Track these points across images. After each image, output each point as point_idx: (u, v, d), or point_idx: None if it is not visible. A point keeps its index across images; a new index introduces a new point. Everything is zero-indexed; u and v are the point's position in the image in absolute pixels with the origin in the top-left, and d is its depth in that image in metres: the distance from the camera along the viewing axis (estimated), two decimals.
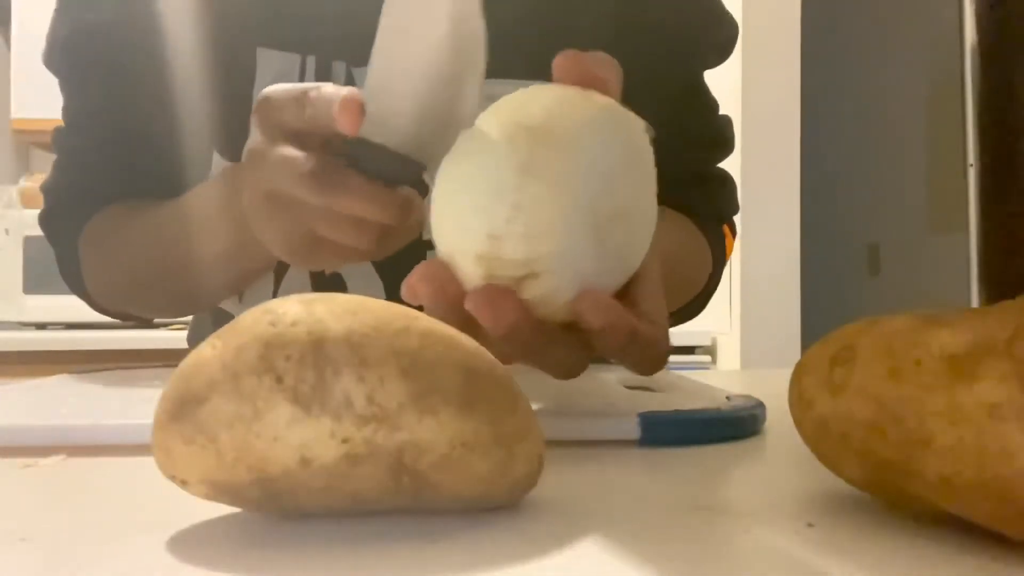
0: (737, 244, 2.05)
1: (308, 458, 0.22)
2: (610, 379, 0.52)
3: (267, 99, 0.42)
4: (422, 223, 0.42)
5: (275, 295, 0.63)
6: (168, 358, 0.78)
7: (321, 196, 0.39)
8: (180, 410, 0.22)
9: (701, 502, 0.27)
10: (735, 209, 0.76)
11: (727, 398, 0.43)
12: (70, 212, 0.69)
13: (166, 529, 0.24)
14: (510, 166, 0.31)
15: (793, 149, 2.12)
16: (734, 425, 0.39)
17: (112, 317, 0.74)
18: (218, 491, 0.23)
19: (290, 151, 0.40)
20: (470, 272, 0.32)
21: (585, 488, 0.29)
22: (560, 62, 0.34)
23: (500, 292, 0.32)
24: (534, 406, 0.26)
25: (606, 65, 0.35)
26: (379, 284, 0.62)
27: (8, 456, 0.34)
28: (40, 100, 2.07)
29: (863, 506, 0.26)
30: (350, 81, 0.61)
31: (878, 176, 3.24)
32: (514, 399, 0.25)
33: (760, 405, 0.41)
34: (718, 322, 2.14)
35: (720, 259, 0.74)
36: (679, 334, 2.03)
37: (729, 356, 2.14)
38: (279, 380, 0.22)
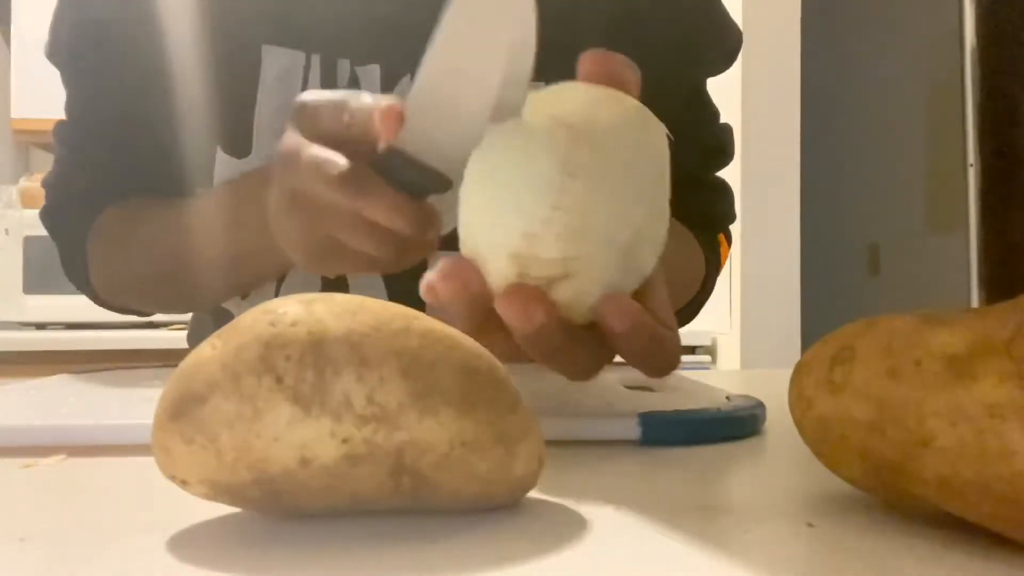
0: (737, 244, 2.06)
1: (308, 458, 0.22)
2: (610, 379, 0.52)
3: (304, 104, 0.42)
4: (438, 239, 0.42)
5: (277, 294, 0.63)
6: (168, 358, 0.78)
7: (348, 199, 0.39)
8: (180, 410, 0.22)
9: (701, 502, 0.27)
10: (732, 218, 0.76)
11: (727, 398, 0.43)
12: (72, 207, 0.69)
13: (166, 529, 0.24)
14: (551, 163, 0.30)
15: (793, 149, 2.12)
16: (734, 425, 0.39)
17: (114, 311, 0.74)
18: (218, 491, 0.23)
19: (323, 152, 0.41)
20: (501, 270, 0.32)
21: (585, 488, 0.29)
22: (587, 61, 0.34)
23: (532, 292, 0.31)
24: (534, 406, 0.26)
25: (629, 67, 0.35)
26: (381, 286, 0.62)
27: (8, 456, 0.34)
28: (40, 100, 2.07)
29: (863, 506, 0.26)
30: (353, 79, 0.61)
31: (878, 176, 3.24)
32: (514, 399, 0.25)
33: (760, 405, 0.41)
34: (718, 322, 2.14)
35: (714, 267, 0.74)
36: (679, 334, 2.03)
37: (729, 356, 2.14)
38: (279, 380, 0.22)
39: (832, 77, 3.33)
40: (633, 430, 0.36)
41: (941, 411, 0.22)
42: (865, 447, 0.24)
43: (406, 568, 0.21)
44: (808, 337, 2.12)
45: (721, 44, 0.72)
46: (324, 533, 0.24)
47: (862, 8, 3.28)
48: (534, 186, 0.30)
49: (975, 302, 0.67)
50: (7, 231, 2.06)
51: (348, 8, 0.61)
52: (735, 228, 0.78)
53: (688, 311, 0.74)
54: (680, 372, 0.62)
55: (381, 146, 0.39)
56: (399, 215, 0.39)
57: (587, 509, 0.26)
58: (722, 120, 0.76)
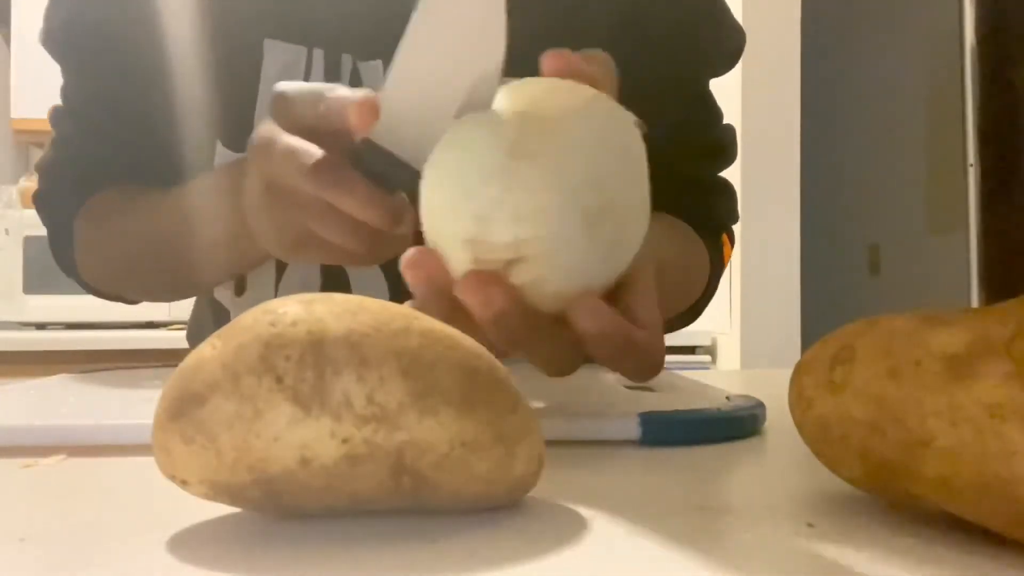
0: (737, 244, 2.05)
1: (308, 458, 0.22)
2: (610, 379, 0.52)
3: (282, 94, 0.42)
4: (412, 235, 0.42)
5: (276, 290, 0.63)
6: (168, 358, 0.78)
7: (321, 190, 0.39)
8: (180, 410, 0.22)
9: (701, 502, 0.27)
10: (735, 218, 0.76)
11: (727, 398, 0.43)
12: (63, 191, 0.69)
13: (166, 529, 0.24)
14: (499, 148, 0.31)
15: (793, 149, 2.12)
16: (734, 425, 0.39)
17: (101, 297, 0.74)
18: (218, 491, 0.23)
19: (298, 142, 0.41)
20: (458, 257, 0.32)
21: (585, 488, 0.29)
22: (547, 60, 0.35)
23: (488, 277, 0.32)
24: (534, 406, 0.26)
25: (597, 61, 0.35)
26: (383, 285, 0.62)
27: (8, 456, 0.34)
28: (40, 100, 2.07)
29: (863, 506, 0.26)
30: (356, 75, 0.61)
31: (878, 176, 3.24)
32: (514, 399, 0.25)
33: (760, 405, 0.41)
34: (718, 322, 2.14)
35: (717, 267, 0.74)
36: (679, 334, 2.03)
37: (729, 356, 2.14)
38: (279, 380, 0.22)
39: (832, 77, 3.33)
40: (633, 430, 0.36)
41: (941, 411, 0.22)
42: (865, 447, 0.24)
43: (406, 568, 0.21)
44: (808, 337, 2.12)
45: (724, 45, 0.72)
46: (324, 533, 0.24)
47: (862, 8, 3.28)
48: (483, 171, 0.31)
49: (975, 302, 0.67)
50: (7, 231, 2.06)
51: (351, 3, 0.61)
52: (735, 228, 0.78)
53: (692, 312, 0.74)
54: (680, 372, 0.62)
55: (356, 138, 0.39)
56: (372, 208, 0.39)
57: (587, 509, 0.26)
58: (724, 121, 0.76)
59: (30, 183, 2.17)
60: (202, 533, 0.24)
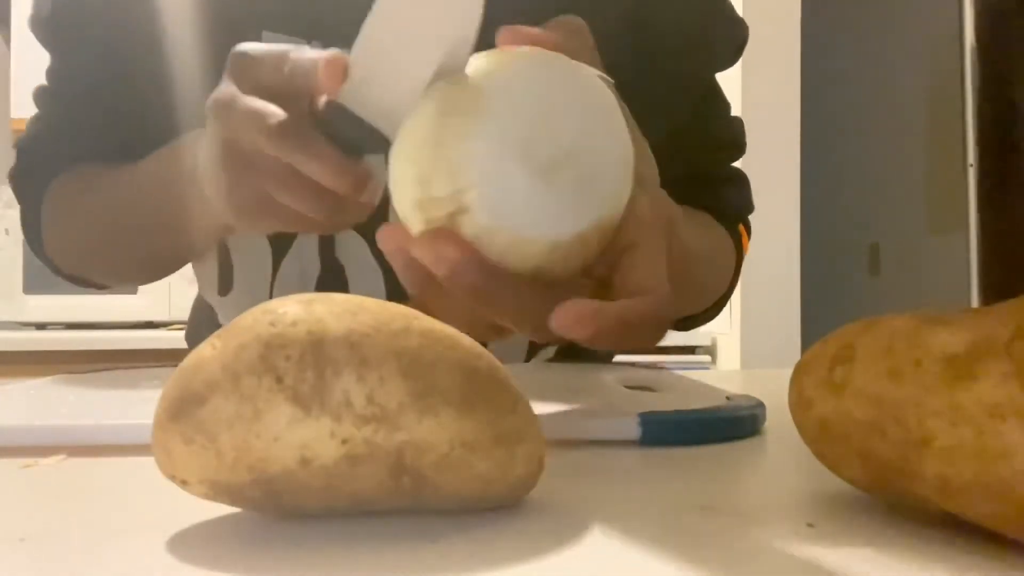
0: None
1: (308, 458, 0.22)
2: (610, 379, 0.52)
3: (244, 54, 0.41)
4: (374, 203, 0.41)
5: (272, 287, 0.63)
6: (168, 358, 0.78)
7: (284, 152, 0.38)
8: (180, 410, 0.22)
9: (701, 502, 0.27)
10: (751, 208, 0.76)
11: (727, 398, 0.43)
12: (38, 172, 0.68)
13: (166, 529, 0.24)
14: (431, 109, 0.33)
15: (793, 149, 2.12)
16: (734, 425, 0.39)
17: (70, 281, 0.73)
18: (218, 491, 0.23)
19: (260, 103, 0.40)
20: (413, 222, 0.33)
21: (585, 488, 0.29)
22: (501, 33, 0.35)
23: (438, 232, 0.32)
24: (534, 406, 0.26)
25: (564, 26, 0.35)
26: (380, 282, 0.62)
27: (8, 456, 0.34)
28: None
29: (863, 506, 0.26)
30: None
31: (878, 176, 3.24)
32: (514, 399, 0.25)
33: (760, 405, 0.41)
34: (718, 322, 2.13)
35: (739, 258, 0.74)
36: (679, 334, 2.03)
37: (729, 356, 2.14)
38: (279, 380, 0.22)
39: (832, 77, 3.33)
40: (633, 430, 0.36)
41: (941, 411, 0.22)
42: (865, 447, 0.24)
43: (406, 568, 0.21)
44: (808, 337, 2.12)
45: (730, 38, 0.73)
46: (324, 533, 0.24)
47: (862, 8, 3.28)
48: (421, 136, 0.32)
49: (975, 302, 0.67)
50: (7, 231, 2.06)
51: None
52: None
53: (720, 303, 0.74)
54: (680, 372, 0.62)
55: (322, 99, 0.38)
56: (335, 173, 0.38)
57: (587, 509, 0.26)
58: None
59: None
60: (202, 533, 0.24)
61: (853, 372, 0.24)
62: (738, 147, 0.74)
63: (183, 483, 0.23)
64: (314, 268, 0.62)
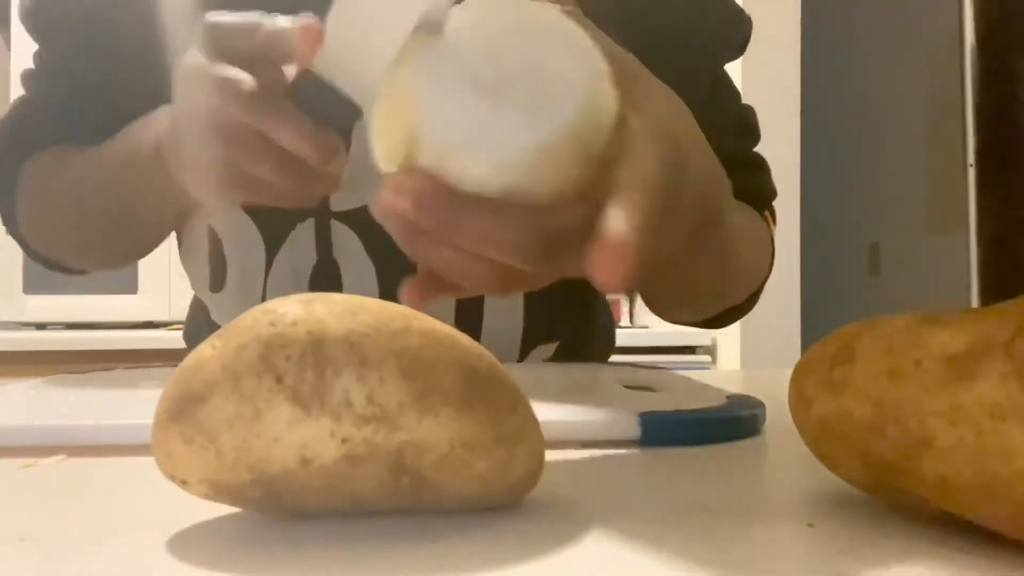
0: None
1: (308, 458, 0.22)
2: (610, 379, 0.52)
3: (215, 24, 0.41)
4: (339, 177, 0.41)
5: (265, 283, 0.64)
6: (168, 358, 0.78)
7: (255, 118, 0.38)
8: (180, 410, 0.22)
9: (701, 502, 0.27)
10: (774, 193, 0.75)
11: (727, 398, 0.43)
12: (17, 150, 0.68)
13: (166, 529, 0.24)
14: (398, 66, 0.33)
15: (793, 149, 2.12)
16: (734, 425, 0.39)
17: (44, 265, 0.73)
18: (218, 491, 0.23)
19: (232, 70, 0.39)
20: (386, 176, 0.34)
21: (585, 488, 0.29)
22: None
23: (403, 172, 0.32)
24: (534, 406, 0.26)
25: None
26: (373, 277, 0.62)
27: (8, 456, 0.34)
28: None
29: (863, 506, 0.26)
30: None
31: (878, 176, 3.24)
32: (514, 399, 0.25)
33: (760, 405, 0.41)
34: None
35: (772, 244, 0.74)
36: (679, 334, 2.03)
37: (729, 356, 2.14)
38: (279, 380, 0.22)
39: (832, 77, 3.33)
40: (633, 430, 0.36)
41: (941, 411, 0.22)
42: (865, 447, 0.24)
43: (406, 568, 0.21)
44: (808, 337, 2.12)
45: (735, 31, 0.73)
46: (324, 533, 0.24)
47: (862, 9, 3.28)
48: (384, 88, 0.33)
49: (975, 302, 0.67)
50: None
51: None
52: None
53: (758, 292, 0.73)
54: (680, 372, 0.62)
55: (297, 67, 0.38)
56: (305, 140, 0.38)
57: (587, 509, 0.26)
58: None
59: None
60: (202, 533, 0.24)
61: (853, 372, 0.24)
62: (754, 132, 0.74)
63: (183, 483, 0.23)
64: (307, 263, 0.63)
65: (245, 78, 0.39)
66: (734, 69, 0.74)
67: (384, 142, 0.33)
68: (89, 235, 0.67)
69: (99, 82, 0.66)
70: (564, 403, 0.41)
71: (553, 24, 0.35)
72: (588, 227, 0.30)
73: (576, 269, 0.32)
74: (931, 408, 0.22)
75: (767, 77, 2.07)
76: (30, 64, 0.70)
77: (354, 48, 0.37)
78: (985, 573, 0.20)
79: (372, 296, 0.65)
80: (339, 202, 0.62)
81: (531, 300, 0.67)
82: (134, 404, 0.43)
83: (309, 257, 0.63)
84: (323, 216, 0.62)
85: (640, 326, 2.20)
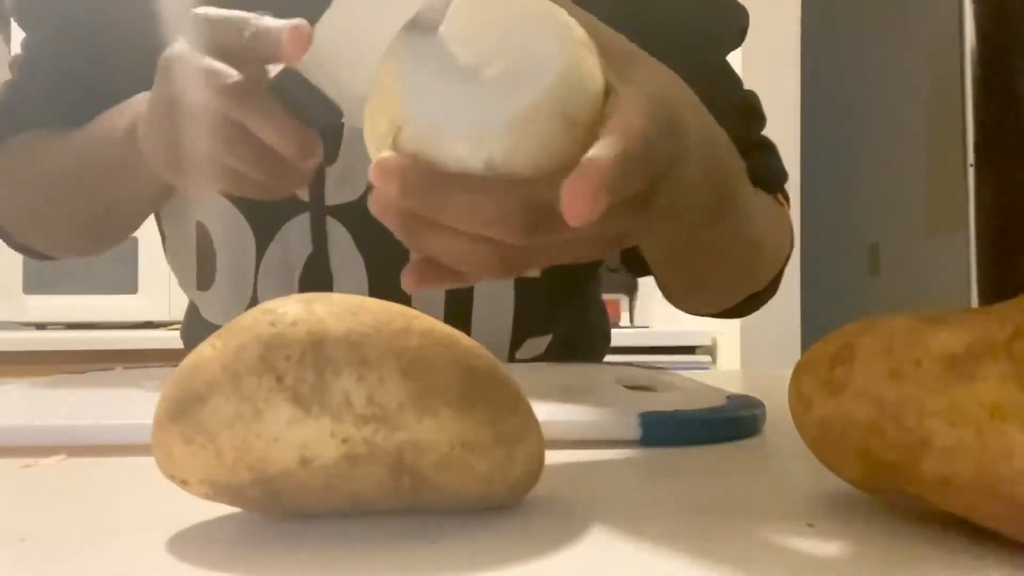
0: None
1: (308, 458, 0.22)
2: (610, 379, 0.52)
3: (206, 17, 0.42)
4: (310, 174, 0.42)
5: (256, 276, 0.64)
6: (168, 358, 0.78)
7: (237, 110, 0.39)
8: (180, 410, 0.22)
9: (701, 502, 0.27)
10: (785, 175, 0.75)
11: (727, 398, 0.43)
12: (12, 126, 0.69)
13: (166, 529, 0.24)
14: (388, 60, 0.34)
15: (793, 149, 2.12)
16: (734, 425, 0.39)
17: (16, 250, 0.73)
18: (218, 491, 0.23)
19: (216, 63, 0.40)
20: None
21: (585, 488, 0.29)
22: None
23: (384, 155, 0.32)
24: (534, 406, 0.26)
25: None
26: (363, 273, 0.62)
27: (8, 456, 0.34)
28: None
29: (863, 506, 0.26)
30: None
31: (878, 176, 3.24)
32: (514, 399, 0.25)
33: (760, 405, 0.41)
34: (718, 322, 2.13)
35: (789, 228, 0.73)
36: (679, 334, 2.03)
37: (729, 356, 2.14)
38: (279, 380, 0.22)
39: (832, 77, 3.33)
40: (633, 430, 0.36)
41: (941, 411, 0.22)
42: (865, 447, 0.24)
43: (406, 568, 0.21)
44: (808, 337, 2.12)
45: (733, 21, 0.73)
46: (324, 533, 0.24)
47: (862, 8, 3.28)
48: (375, 84, 0.34)
49: (975, 302, 0.67)
50: None
51: None
52: None
53: (778, 278, 0.73)
54: (680, 372, 0.62)
55: (285, 65, 0.39)
56: (285, 135, 0.38)
57: (587, 509, 0.26)
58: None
59: None
60: (202, 533, 0.24)
61: (853, 372, 0.24)
62: (760, 116, 0.74)
63: (183, 483, 0.23)
64: (299, 257, 0.63)
65: (230, 71, 0.40)
66: (734, 69, 0.74)
67: (372, 134, 0.34)
68: (62, 218, 0.67)
69: (83, 69, 0.66)
70: (564, 403, 0.41)
71: (531, 4, 0.35)
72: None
73: (574, 250, 0.33)
74: (931, 408, 0.22)
75: (767, 77, 2.07)
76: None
77: (340, 54, 0.38)
78: (985, 573, 0.20)
79: (362, 289, 0.65)
80: (331, 197, 0.62)
81: (521, 291, 0.67)
82: (134, 404, 0.43)
83: (300, 251, 0.63)
84: (318, 210, 0.62)
85: (640, 326, 2.20)
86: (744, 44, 0.76)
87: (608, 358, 0.84)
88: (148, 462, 0.26)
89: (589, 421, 0.37)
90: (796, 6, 2.12)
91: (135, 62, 0.62)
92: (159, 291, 2.05)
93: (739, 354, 2.11)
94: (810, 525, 0.24)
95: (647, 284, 2.10)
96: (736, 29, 0.73)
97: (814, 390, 0.26)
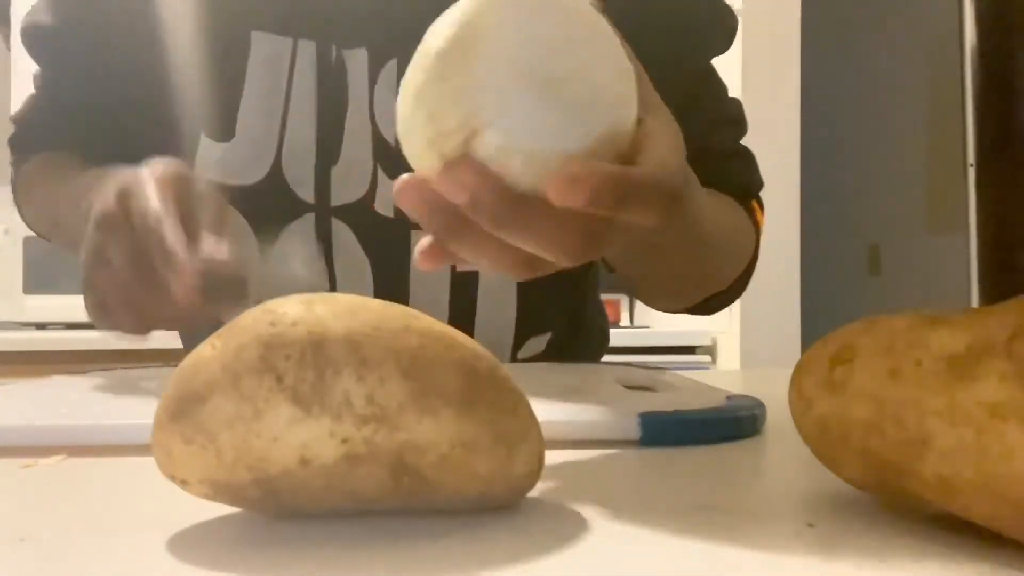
0: None
1: (308, 458, 0.22)
2: (610, 379, 0.52)
3: (190, 180, 0.49)
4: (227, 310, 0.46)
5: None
6: (168, 358, 0.78)
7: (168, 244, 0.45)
8: (180, 410, 0.22)
9: (701, 502, 0.27)
10: (760, 184, 0.76)
11: (727, 398, 0.43)
12: (28, 145, 0.75)
13: (166, 529, 0.24)
14: (430, 44, 0.33)
15: (793, 149, 2.12)
16: (734, 425, 0.39)
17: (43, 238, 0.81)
18: (218, 491, 0.23)
19: (170, 223, 0.46)
20: (429, 161, 0.33)
21: (585, 488, 0.29)
22: None
23: (457, 160, 0.31)
24: (534, 406, 0.26)
25: None
26: (367, 265, 0.63)
27: (8, 456, 0.34)
28: None
29: (863, 506, 0.26)
30: (340, 63, 0.62)
31: (878, 176, 3.24)
32: (514, 399, 0.25)
33: (760, 405, 0.41)
34: (718, 322, 2.13)
35: (757, 232, 0.74)
36: (679, 334, 2.03)
37: (729, 356, 2.14)
38: (279, 380, 0.22)
39: (832, 77, 3.33)
40: (633, 430, 0.36)
41: (941, 411, 0.22)
42: (865, 447, 0.24)
43: (406, 568, 0.21)
44: (808, 337, 2.12)
45: (720, 24, 0.73)
46: (324, 533, 0.24)
47: (862, 8, 3.28)
48: (423, 71, 0.33)
49: (975, 302, 0.67)
50: (7, 231, 2.06)
51: None
52: None
53: (745, 277, 0.73)
54: (680, 372, 0.62)
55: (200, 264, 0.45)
56: (187, 296, 0.44)
57: (587, 509, 0.26)
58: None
59: None
60: (202, 533, 0.24)
61: (853, 372, 0.24)
62: (739, 125, 0.74)
63: (183, 483, 0.23)
64: (301, 258, 0.63)
65: (173, 235, 0.45)
66: (734, 69, 0.74)
67: (435, 128, 0.32)
68: (65, 243, 0.72)
69: (104, 98, 0.69)
70: (564, 403, 0.41)
71: (595, 23, 0.35)
72: (609, 222, 0.32)
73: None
74: (931, 408, 0.22)
75: (767, 77, 2.07)
76: (30, 62, 0.71)
77: None
78: (985, 573, 0.20)
79: (367, 289, 0.66)
80: (335, 197, 0.62)
81: (524, 291, 0.68)
82: (134, 404, 0.43)
83: (302, 253, 0.63)
84: (323, 212, 0.63)
85: (640, 326, 2.20)
86: (744, 44, 0.76)
87: (608, 358, 0.84)
88: (148, 462, 0.26)
89: (589, 421, 0.37)
90: (796, 6, 2.12)
91: (147, 90, 0.63)
92: None
93: (739, 354, 2.11)
94: (810, 525, 0.24)
95: None
96: (723, 32, 0.73)
97: (814, 390, 0.26)
